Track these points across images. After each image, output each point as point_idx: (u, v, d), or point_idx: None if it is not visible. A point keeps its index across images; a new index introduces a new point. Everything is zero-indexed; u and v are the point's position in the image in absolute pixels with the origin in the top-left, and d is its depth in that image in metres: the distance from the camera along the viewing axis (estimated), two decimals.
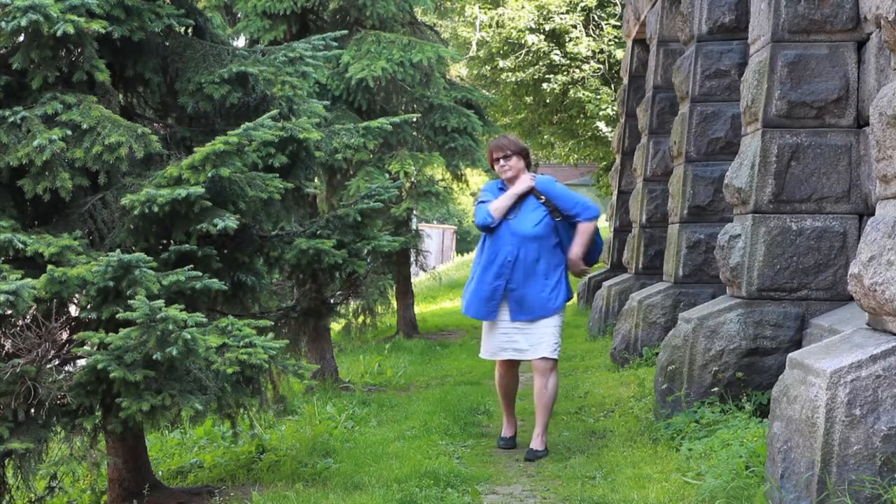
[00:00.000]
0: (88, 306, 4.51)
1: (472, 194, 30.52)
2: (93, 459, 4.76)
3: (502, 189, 6.05)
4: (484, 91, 15.82)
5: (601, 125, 18.55)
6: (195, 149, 4.80)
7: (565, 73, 18.75)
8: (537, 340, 5.91)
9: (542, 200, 5.94)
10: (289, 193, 5.33)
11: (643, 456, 5.54)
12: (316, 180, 8.61)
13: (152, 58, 5.26)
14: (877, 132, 3.89)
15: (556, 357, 5.93)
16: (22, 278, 4.21)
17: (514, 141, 6.11)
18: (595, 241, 6.13)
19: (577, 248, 6.03)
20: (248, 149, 4.83)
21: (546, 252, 5.92)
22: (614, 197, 13.12)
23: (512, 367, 6.18)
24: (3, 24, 4.55)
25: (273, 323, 5.39)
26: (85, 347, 4.40)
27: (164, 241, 4.93)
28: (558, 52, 18.66)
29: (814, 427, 3.71)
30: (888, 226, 3.74)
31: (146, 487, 5.27)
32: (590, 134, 19.70)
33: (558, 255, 5.98)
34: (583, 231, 6.01)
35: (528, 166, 6.12)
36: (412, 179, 11.36)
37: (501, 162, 6.02)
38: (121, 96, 5.38)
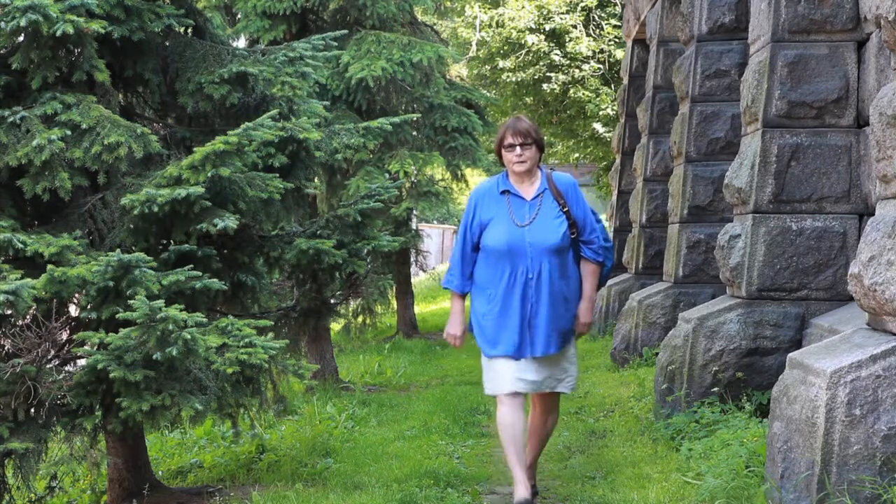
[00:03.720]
0: (88, 306, 4.51)
1: None
2: (93, 459, 4.76)
3: (506, 192, 4.72)
4: (484, 91, 15.82)
5: (598, 126, 18.55)
6: (195, 149, 4.80)
7: (565, 72, 18.74)
8: (558, 373, 4.76)
9: (565, 210, 4.68)
10: (289, 193, 5.33)
11: (643, 456, 5.54)
12: (316, 180, 8.62)
13: (152, 58, 5.26)
14: (877, 132, 3.89)
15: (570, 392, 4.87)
16: (22, 278, 4.21)
17: (535, 127, 4.74)
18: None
19: (587, 305, 4.80)
20: (248, 149, 4.83)
21: (569, 267, 4.74)
22: (614, 197, 13.11)
23: (521, 402, 4.78)
24: (2, 24, 4.55)
25: (273, 323, 5.39)
26: (85, 347, 4.40)
27: (164, 241, 4.93)
28: (558, 52, 18.65)
29: (814, 427, 3.71)
30: (888, 226, 3.74)
31: (146, 487, 5.27)
32: (589, 134, 19.68)
33: (577, 271, 4.80)
34: (593, 273, 4.81)
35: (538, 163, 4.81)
36: (412, 179, 11.38)
37: (519, 150, 4.64)
38: (121, 96, 5.39)
